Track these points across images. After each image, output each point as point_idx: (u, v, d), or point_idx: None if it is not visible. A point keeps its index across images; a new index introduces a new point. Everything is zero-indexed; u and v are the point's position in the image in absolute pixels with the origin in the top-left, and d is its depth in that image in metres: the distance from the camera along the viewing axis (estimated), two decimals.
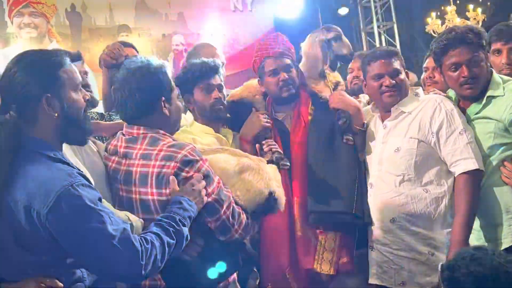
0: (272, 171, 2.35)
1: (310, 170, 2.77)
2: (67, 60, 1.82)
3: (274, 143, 2.72)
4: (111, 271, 1.71)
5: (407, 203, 2.62)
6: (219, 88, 2.72)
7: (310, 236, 2.78)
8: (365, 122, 2.84)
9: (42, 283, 1.68)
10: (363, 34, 10.40)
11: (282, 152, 2.69)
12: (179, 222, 1.88)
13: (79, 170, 1.79)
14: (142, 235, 1.78)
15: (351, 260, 2.78)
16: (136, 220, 2.03)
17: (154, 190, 2.07)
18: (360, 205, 2.73)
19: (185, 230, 1.89)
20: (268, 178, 2.26)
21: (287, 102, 2.92)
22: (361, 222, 2.74)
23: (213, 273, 2.13)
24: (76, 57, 2.42)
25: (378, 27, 10.35)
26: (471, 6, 9.32)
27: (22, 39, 7.35)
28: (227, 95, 2.90)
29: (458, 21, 9.17)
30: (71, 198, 1.63)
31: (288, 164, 2.65)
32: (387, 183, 2.68)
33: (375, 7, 10.36)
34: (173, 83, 2.24)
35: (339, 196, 2.71)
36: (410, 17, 10.71)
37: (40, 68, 1.76)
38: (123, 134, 2.21)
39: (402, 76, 2.72)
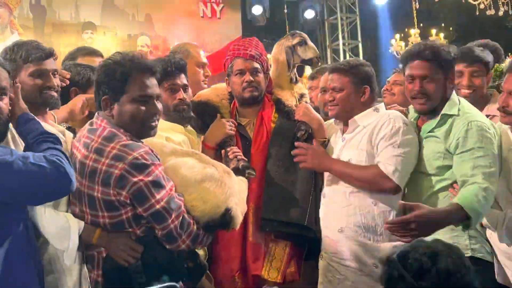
0: (237, 186, 2.31)
1: (267, 178, 2.78)
2: None
3: (239, 150, 2.72)
4: (42, 190, 1.81)
5: (355, 214, 2.64)
6: (184, 88, 2.68)
7: (261, 242, 2.78)
8: (326, 138, 2.88)
9: None
10: (328, 50, 10.55)
11: (246, 160, 2.69)
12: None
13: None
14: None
15: (299, 270, 2.80)
16: (75, 223, 2.04)
17: (100, 188, 2.03)
18: (313, 217, 2.75)
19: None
20: (229, 193, 2.22)
21: (249, 105, 2.92)
22: (313, 234, 2.76)
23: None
24: (49, 54, 2.36)
25: (344, 44, 10.51)
26: (434, 31, 9.57)
27: None
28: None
29: None
30: None
31: (254, 173, 2.62)
32: (338, 193, 2.70)
33: (342, 24, 10.53)
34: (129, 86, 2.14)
35: (293, 207, 2.73)
36: (375, 37, 10.93)
37: None
38: (90, 124, 2.18)
39: (342, 93, 2.72)
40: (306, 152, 2.74)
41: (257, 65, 2.90)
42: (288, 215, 2.72)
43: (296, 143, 2.74)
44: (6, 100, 1.94)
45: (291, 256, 2.79)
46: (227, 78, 2.99)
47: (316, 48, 3.05)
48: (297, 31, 3.08)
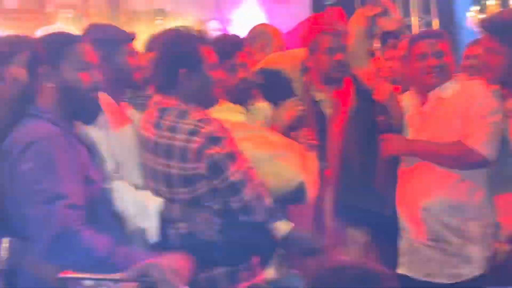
0: (309, 160, 2.29)
1: (346, 161, 2.72)
2: (78, 39, 1.93)
3: (311, 133, 2.61)
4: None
5: (441, 192, 2.56)
6: (244, 66, 2.59)
7: (339, 228, 2.74)
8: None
9: None
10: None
11: (317, 145, 2.59)
12: None
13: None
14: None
15: (378, 256, 2.75)
16: (154, 201, 2.07)
17: (177, 164, 2.07)
18: (393, 204, 2.67)
19: None
20: (301, 168, 2.21)
21: (333, 83, 2.82)
22: (392, 222, 2.68)
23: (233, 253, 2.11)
24: (130, 37, 2.42)
25: (418, 20, 10.18)
26: None
27: (60, 19, 7.44)
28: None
29: None
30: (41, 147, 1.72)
31: (324, 163, 2.56)
32: (420, 171, 2.62)
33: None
34: (203, 54, 2.17)
35: (372, 194, 2.68)
36: (450, 10, 10.51)
37: (48, 42, 1.90)
38: (156, 103, 2.20)
39: (448, 58, 2.62)
40: (385, 140, 2.66)
41: (344, 42, 2.76)
42: (367, 203, 2.67)
43: (380, 137, 2.62)
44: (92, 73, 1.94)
45: (371, 243, 2.75)
46: (309, 52, 2.84)
47: (400, 19, 2.87)
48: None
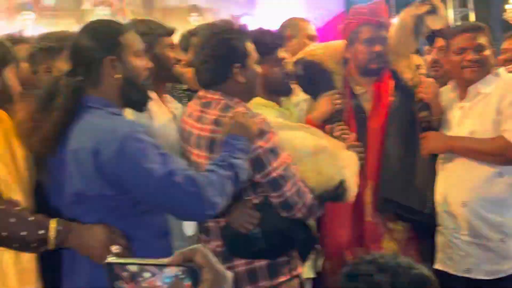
0: (349, 158, 2.27)
1: (386, 157, 2.67)
2: (128, 28, 1.96)
3: (347, 128, 2.55)
4: (175, 210, 1.83)
5: (480, 187, 2.53)
6: (284, 61, 2.56)
7: (379, 223, 2.71)
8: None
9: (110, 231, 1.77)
10: None
11: (353, 137, 2.51)
12: (229, 157, 1.91)
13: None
14: (200, 173, 1.84)
15: (418, 254, 2.70)
16: None
17: None
18: (432, 201, 2.65)
19: (239, 162, 1.92)
20: (342, 165, 2.19)
21: (370, 75, 2.76)
22: (432, 220, 2.66)
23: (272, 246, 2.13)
24: (169, 31, 2.47)
25: (454, 13, 10.01)
26: None
27: (96, 16, 7.57)
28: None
29: None
30: (134, 141, 1.75)
31: (362, 159, 2.49)
32: (459, 166, 2.59)
33: None
34: (250, 49, 2.18)
35: (413, 191, 2.64)
36: (487, 4, 10.30)
37: (102, 34, 1.89)
38: (199, 98, 2.23)
39: (487, 52, 2.58)
40: (425, 138, 2.64)
41: (385, 34, 2.72)
42: (407, 199, 2.63)
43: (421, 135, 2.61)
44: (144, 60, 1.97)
45: (409, 238, 2.71)
46: (348, 44, 2.78)
47: (446, 19, 2.83)
48: None
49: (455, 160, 2.61)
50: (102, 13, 7.64)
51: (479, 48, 2.56)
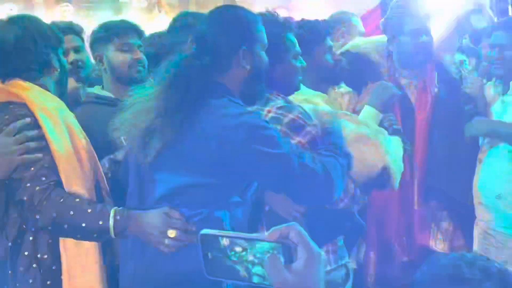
0: (393, 144, 2.28)
1: (433, 148, 2.70)
2: (259, 19, 1.93)
3: (395, 118, 2.56)
4: (304, 193, 1.83)
5: None
6: (332, 51, 2.57)
7: (427, 212, 2.73)
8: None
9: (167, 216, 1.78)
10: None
11: (401, 130, 2.53)
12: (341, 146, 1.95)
13: None
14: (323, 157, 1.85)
15: (468, 243, 2.73)
16: None
17: None
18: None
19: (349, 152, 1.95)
20: (385, 152, 2.20)
21: (415, 66, 2.77)
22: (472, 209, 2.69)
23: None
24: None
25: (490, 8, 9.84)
26: None
27: (133, 8, 7.65)
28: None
29: None
30: (263, 129, 1.76)
31: (408, 148, 2.50)
32: (496, 159, 2.62)
33: None
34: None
35: (458, 184, 2.68)
36: None
37: (240, 23, 1.86)
38: None
39: None
40: (469, 122, 2.65)
41: (428, 25, 2.72)
42: (451, 189, 2.66)
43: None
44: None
45: (457, 228, 2.73)
46: (391, 37, 2.80)
47: (492, 18, 2.84)
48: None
49: (493, 154, 2.63)
50: (138, 6, 7.72)
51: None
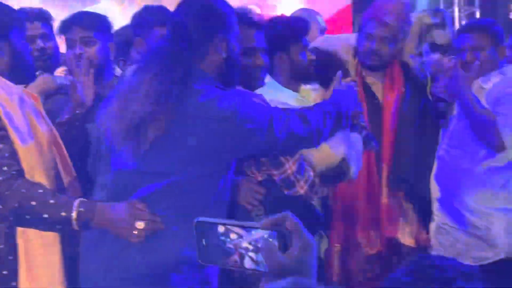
0: (353, 139, 2.34)
1: (399, 144, 2.75)
2: (232, 9, 1.99)
3: (362, 115, 2.54)
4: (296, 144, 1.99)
5: (467, 179, 2.63)
6: (308, 48, 2.58)
7: (395, 205, 2.78)
8: None
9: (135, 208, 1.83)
10: None
11: (368, 128, 2.54)
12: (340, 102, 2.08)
13: None
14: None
15: (429, 235, 2.79)
16: None
17: None
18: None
19: (345, 109, 2.08)
20: (344, 143, 2.25)
21: (373, 70, 2.81)
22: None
23: None
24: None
25: (459, 10, 10.03)
26: None
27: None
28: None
29: None
30: (247, 107, 1.86)
31: (375, 144, 2.55)
32: (450, 158, 2.70)
33: None
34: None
35: (423, 180, 2.74)
36: (493, 4, 10.32)
37: (216, 11, 1.92)
38: None
39: (488, 51, 2.65)
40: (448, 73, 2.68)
41: (386, 35, 2.68)
42: (417, 185, 2.73)
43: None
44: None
45: (422, 221, 2.79)
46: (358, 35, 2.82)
47: (450, 37, 2.87)
48: (441, 10, 2.89)
49: (449, 152, 2.71)
50: None
51: (479, 48, 2.64)
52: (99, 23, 2.44)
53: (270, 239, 0.89)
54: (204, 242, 0.92)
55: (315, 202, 2.47)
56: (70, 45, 2.40)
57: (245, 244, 0.90)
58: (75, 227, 1.82)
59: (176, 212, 1.86)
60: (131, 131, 1.81)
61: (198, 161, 1.83)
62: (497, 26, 2.74)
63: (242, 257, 0.90)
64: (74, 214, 1.80)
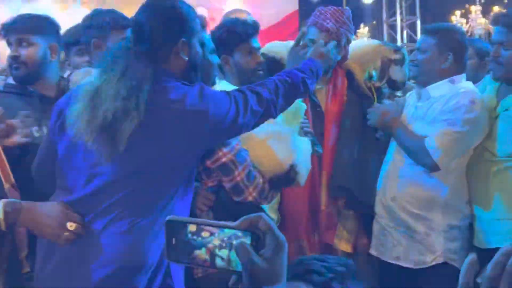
0: (302, 143, 2.35)
1: (340, 149, 2.76)
2: (195, 12, 1.99)
3: (307, 121, 2.63)
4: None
5: (408, 184, 2.67)
6: (259, 51, 2.62)
7: (333, 211, 2.79)
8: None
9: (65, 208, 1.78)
10: (385, 26, 10.39)
11: (313, 133, 2.60)
12: (293, 70, 2.11)
13: None
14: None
15: (369, 241, 2.81)
16: None
17: None
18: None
19: (301, 75, 2.10)
20: (293, 150, 2.26)
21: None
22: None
23: None
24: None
25: (401, 20, 10.32)
26: (496, 8, 9.27)
27: None
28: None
29: (482, 21, 9.13)
30: (216, 101, 1.87)
31: (320, 151, 2.59)
32: (395, 163, 2.74)
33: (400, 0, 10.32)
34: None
35: (364, 184, 2.75)
36: (434, 13, 10.67)
37: (180, 15, 1.91)
38: None
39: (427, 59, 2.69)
40: (376, 111, 2.73)
41: (328, 40, 2.65)
42: (358, 191, 2.74)
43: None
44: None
45: (362, 227, 2.81)
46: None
47: (406, 76, 2.92)
48: (405, 45, 2.86)
49: (394, 156, 2.75)
50: None
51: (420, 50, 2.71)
52: (37, 25, 2.39)
53: (244, 240, 0.89)
54: (174, 241, 0.91)
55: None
56: (10, 47, 2.38)
57: (217, 242, 0.89)
58: (3, 228, 1.78)
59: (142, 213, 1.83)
60: (104, 130, 1.76)
61: (170, 156, 1.82)
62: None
63: (213, 256, 0.90)
64: (1, 215, 1.76)
